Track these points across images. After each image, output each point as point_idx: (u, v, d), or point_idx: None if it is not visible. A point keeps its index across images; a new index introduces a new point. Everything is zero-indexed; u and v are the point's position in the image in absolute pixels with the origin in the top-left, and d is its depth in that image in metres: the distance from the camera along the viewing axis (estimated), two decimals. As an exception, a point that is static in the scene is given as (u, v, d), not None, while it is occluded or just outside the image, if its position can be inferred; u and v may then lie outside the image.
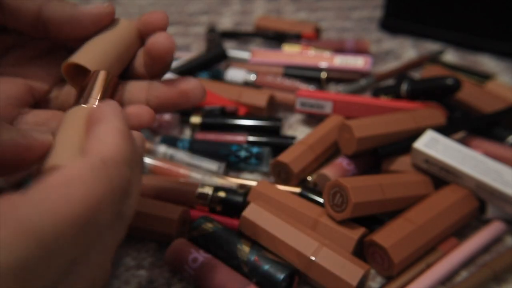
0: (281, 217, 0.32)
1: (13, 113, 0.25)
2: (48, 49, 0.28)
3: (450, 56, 0.61)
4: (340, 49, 0.60)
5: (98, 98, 0.23)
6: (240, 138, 0.44)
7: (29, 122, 0.25)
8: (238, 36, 0.67)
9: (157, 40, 0.26)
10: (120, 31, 0.27)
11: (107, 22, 0.27)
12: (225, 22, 0.75)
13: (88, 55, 0.25)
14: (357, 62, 0.56)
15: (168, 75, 0.50)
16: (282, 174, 0.39)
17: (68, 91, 0.28)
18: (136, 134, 0.22)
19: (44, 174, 0.17)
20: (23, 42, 0.27)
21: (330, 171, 0.38)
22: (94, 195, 0.16)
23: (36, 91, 0.27)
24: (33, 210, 0.14)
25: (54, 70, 0.28)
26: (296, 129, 0.49)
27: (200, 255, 0.31)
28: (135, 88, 0.27)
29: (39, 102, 0.27)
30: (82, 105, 0.23)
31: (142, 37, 0.28)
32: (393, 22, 0.68)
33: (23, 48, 0.27)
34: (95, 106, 0.23)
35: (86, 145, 0.19)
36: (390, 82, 0.55)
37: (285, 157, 0.39)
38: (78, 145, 0.20)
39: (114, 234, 0.18)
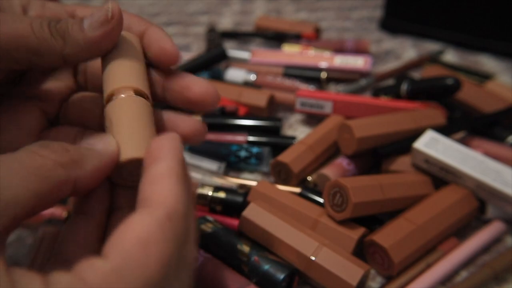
0: (281, 217, 0.32)
1: (32, 140, 0.25)
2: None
3: (450, 56, 0.61)
4: (340, 49, 0.60)
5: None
6: (240, 138, 0.44)
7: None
8: (238, 36, 0.67)
9: (199, 92, 0.25)
10: (135, 51, 0.25)
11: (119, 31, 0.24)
12: (225, 22, 0.75)
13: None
14: (357, 62, 0.56)
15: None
16: (282, 174, 0.39)
17: (75, 105, 0.27)
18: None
19: (118, 228, 0.17)
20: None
21: (330, 171, 0.38)
22: (166, 254, 0.17)
23: (48, 113, 0.26)
24: (116, 280, 0.16)
25: (62, 83, 0.27)
26: (296, 129, 0.49)
27: (200, 255, 0.31)
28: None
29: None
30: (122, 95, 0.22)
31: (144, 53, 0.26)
32: (393, 22, 0.68)
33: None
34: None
35: (148, 192, 0.19)
36: (390, 82, 0.55)
37: (285, 157, 0.39)
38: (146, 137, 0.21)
39: (181, 284, 0.18)
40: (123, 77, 0.23)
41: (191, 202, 0.19)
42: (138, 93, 0.23)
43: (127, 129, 0.22)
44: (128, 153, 0.21)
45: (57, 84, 0.27)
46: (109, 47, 0.24)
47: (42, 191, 0.18)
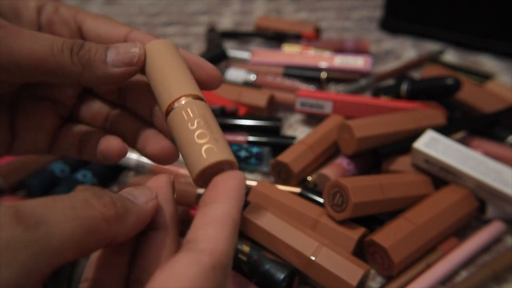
0: (281, 217, 0.32)
1: (50, 141, 0.27)
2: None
3: (450, 56, 0.61)
4: (340, 49, 0.60)
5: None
6: (240, 138, 0.44)
7: (63, 146, 0.27)
8: (238, 36, 0.67)
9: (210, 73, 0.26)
10: (175, 55, 0.25)
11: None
12: (225, 22, 0.75)
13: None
14: (357, 62, 0.56)
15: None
16: (282, 174, 0.39)
17: (89, 107, 0.28)
18: None
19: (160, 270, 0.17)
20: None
21: (330, 171, 0.38)
22: None
23: (62, 112, 0.27)
24: None
25: (74, 88, 0.28)
26: (296, 129, 0.49)
27: (200, 255, 0.31)
28: None
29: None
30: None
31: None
32: (393, 22, 0.68)
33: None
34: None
35: (200, 234, 0.18)
36: (390, 82, 0.55)
37: (285, 157, 0.39)
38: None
39: None
40: (179, 86, 0.23)
41: (232, 254, 0.19)
42: (196, 97, 0.23)
43: (211, 133, 0.21)
44: (216, 156, 0.20)
45: (68, 88, 0.27)
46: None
47: (84, 243, 0.18)
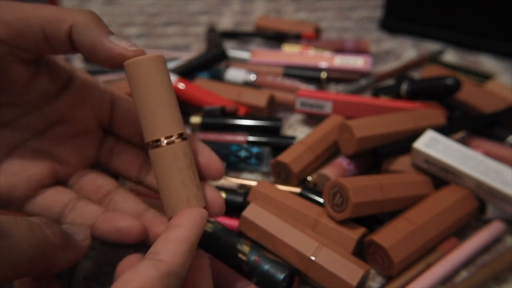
0: (281, 217, 0.32)
1: (29, 194, 0.26)
2: (86, 128, 0.29)
3: (450, 56, 0.61)
4: (340, 49, 0.60)
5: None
6: (240, 138, 0.44)
7: (38, 203, 0.26)
8: (238, 36, 0.67)
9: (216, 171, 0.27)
10: (165, 80, 0.24)
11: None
12: (225, 22, 0.75)
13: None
14: (357, 62, 0.56)
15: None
16: (282, 174, 0.39)
17: (87, 181, 0.28)
18: None
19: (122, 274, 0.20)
20: (67, 119, 0.28)
21: (330, 171, 0.38)
22: None
23: (59, 175, 0.28)
24: None
25: (84, 153, 0.29)
26: (296, 129, 0.49)
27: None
28: None
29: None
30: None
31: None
32: (393, 22, 0.68)
33: (64, 124, 0.28)
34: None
35: (162, 248, 0.21)
36: (390, 82, 0.55)
37: (285, 157, 0.39)
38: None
39: None
40: (166, 122, 0.23)
41: (186, 268, 0.22)
42: (181, 136, 0.24)
43: (194, 179, 0.24)
44: (196, 205, 0.24)
45: (80, 151, 0.29)
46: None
47: (34, 263, 0.20)
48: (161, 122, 0.23)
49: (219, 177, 0.27)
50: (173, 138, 0.23)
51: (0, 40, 0.23)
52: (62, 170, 0.28)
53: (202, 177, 0.26)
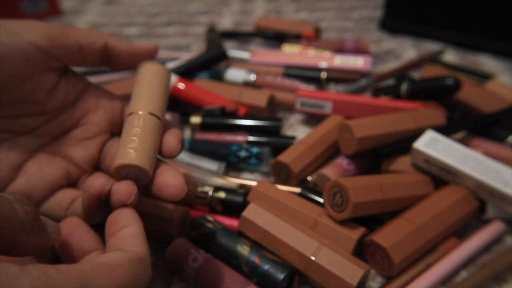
0: (281, 217, 0.32)
1: (47, 194, 0.28)
2: (99, 132, 0.31)
3: (450, 56, 0.61)
4: (340, 49, 0.60)
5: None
6: (240, 138, 0.44)
7: (50, 203, 0.28)
8: (238, 36, 0.67)
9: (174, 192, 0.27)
10: (160, 81, 0.30)
11: (154, 56, 0.31)
12: (225, 22, 0.75)
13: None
14: (357, 62, 0.56)
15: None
16: (282, 174, 0.39)
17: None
18: None
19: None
20: (82, 123, 0.31)
21: (330, 171, 0.38)
22: (128, 281, 0.21)
23: (71, 177, 0.30)
24: (87, 277, 0.19)
25: (92, 156, 0.30)
26: (296, 129, 0.49)
27: (200, 255, 0.31)
28: None
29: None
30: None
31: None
32: (393, 22, 0.68)
33: (79, 128, 0.31)
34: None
35: (120, 244, 0.23)
36: (390, 82, 0.55)
37: (285, 157, 0.39)
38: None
39: None
40: (147, 102, 0.28)
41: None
42: (152, 114, 0.28)
43: (140, 143, 0.26)
44: (131, 160, 0.25)
45: (92, 152, 0.31)
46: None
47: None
48: (143, 102, 0.28)
49: (176, 197, 0.26)
50: (144, 113, 0.27)
51: (40, 48, 0.27)
52: (74, 172, 0.30)
53: (160, 195, 0.26)
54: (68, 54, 0.28)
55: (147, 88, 0.29)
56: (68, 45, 0.28)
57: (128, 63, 0.30)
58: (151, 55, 0.31)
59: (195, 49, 0.66)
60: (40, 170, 0.28)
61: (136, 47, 0.30)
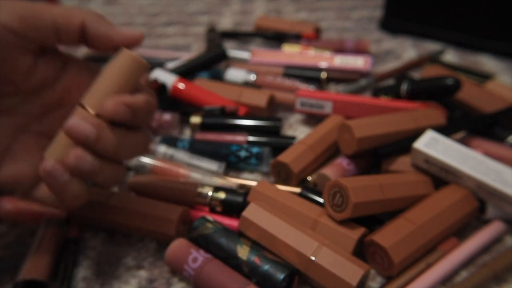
0: (281, 217, 0.32)
1: (35, 180, 0.28)
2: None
3: (450, 56, 0.61)
4: (340, 49, 0.60)
5: None
6: (240, 138, 0.44)
7: (41, 190, 0.28)
8: (238, 36, 0.67)
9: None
10: (123, 71, 0.29)
11: (136, 44, 0.29)
12: (225, 22, 0.75)
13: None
14: (357, 62, 0.56)
15: (172, 78, 0.50)
16: (282, 174, 0.39)
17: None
18: None
19: None
20: (65, 102, 0.30)
21: (330, 171, 0.38)
22: None
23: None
24: None
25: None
26: (296, 129, 0.49)
27: (200, 255, 0.31)
28: None
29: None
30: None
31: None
32: (393, 22, 0.68)
33: (62, 108, 0.30)
34: None
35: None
36: (390, 82, 0.55)
37: (285, 157, 0.39)
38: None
39: None
40: (97, 98, 0.27)
41: None
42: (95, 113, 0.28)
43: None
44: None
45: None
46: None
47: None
48: (95, 96, 0.27)
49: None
50: (92, 113, 0.27)
51: (12, 30, 0.26)
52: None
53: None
54: (43, 35, 0.27)
55: (109, 79, 0.28)
56: (43, 26, 0.27)
57: (104, 46, 0.29)
58: (132, 42, 0.29)
59: (195, 49, 0.66)
60: (27, 153, 0.28)
61: (114, 32, 0.28)
